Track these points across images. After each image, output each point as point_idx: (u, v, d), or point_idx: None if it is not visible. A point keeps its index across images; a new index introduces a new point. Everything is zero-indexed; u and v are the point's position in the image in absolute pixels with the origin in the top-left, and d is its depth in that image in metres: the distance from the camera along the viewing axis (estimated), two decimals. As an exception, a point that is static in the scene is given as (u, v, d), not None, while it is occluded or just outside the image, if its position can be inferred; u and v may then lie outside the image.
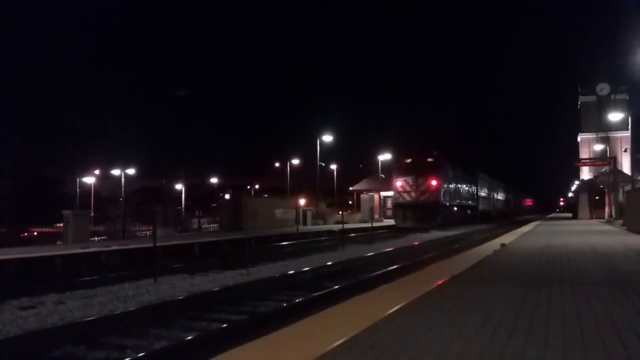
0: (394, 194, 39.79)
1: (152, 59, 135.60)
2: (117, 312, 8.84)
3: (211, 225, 33.49)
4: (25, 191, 48.64)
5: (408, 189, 38.16)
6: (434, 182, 37.73)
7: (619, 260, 10.02)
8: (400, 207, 38.20)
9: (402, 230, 33.35)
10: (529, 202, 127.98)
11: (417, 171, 37.84)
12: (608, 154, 48.25)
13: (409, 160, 39.46)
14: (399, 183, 38.75)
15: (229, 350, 4.20)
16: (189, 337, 7.23)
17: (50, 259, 14.39)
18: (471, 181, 48.45)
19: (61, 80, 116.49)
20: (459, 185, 43.98)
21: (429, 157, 39.17)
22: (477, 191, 50.49)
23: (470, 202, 47.35)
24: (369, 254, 18.92)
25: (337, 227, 30.56)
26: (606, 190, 45.59)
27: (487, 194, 56.56)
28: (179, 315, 8.77)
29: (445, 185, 39.55)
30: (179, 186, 63.69)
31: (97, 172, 61.52)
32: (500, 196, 66.71)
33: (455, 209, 42.06)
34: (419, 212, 36.80)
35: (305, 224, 35.72)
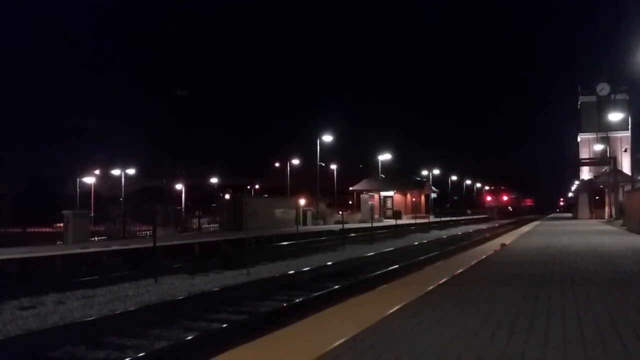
0: (487, 203, 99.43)
1: (152, 59, 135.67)
2: (118, 312, 8.85)
3: (211, 225, 33.37)
4: (25, 191, 48.53)
5: (493, 200, 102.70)
6: (505, 198, 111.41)
7: (619, 261, 10.02)
8: (489, 209, 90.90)
9: (403, 230, 35.60)
10: (529, 202, 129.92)
11: (497, 193, 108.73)
12: (608, 154, 48.23)
13: (492, 188, 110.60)
14: (488, 198, 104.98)
15: (229, 350, 4.20)
16: (189, 337, 7.24)
17: (51, 259, 14.35)
18: (512, 193, 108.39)
19: (61, 80, 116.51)
20: (511, 197, 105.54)
21: (502, 186, 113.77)
22: (512, 198, 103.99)
23: (513, 204, 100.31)
24: (369, 254, 18.95)
25: (337, 227, 30.55)
26: (606, 190, 45.56)
27: (513, 199, 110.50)
28: (179, 315, 8.78)
29: (509, 199, 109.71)
30: (179, 186, 63.54)
31: (97, 172, 61.39)
32: (516, 198, 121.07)
33: (510, 209, 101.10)
34: (498, 211, 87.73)
35: (305, 224, 35.66)
